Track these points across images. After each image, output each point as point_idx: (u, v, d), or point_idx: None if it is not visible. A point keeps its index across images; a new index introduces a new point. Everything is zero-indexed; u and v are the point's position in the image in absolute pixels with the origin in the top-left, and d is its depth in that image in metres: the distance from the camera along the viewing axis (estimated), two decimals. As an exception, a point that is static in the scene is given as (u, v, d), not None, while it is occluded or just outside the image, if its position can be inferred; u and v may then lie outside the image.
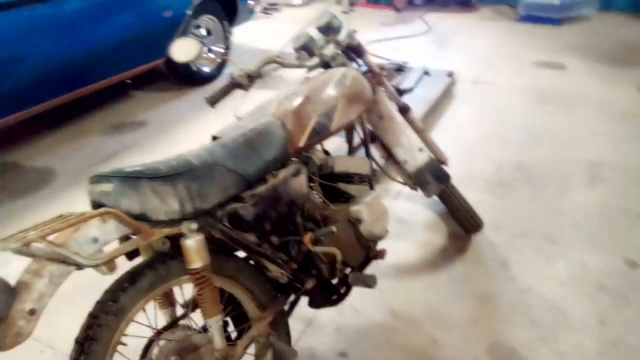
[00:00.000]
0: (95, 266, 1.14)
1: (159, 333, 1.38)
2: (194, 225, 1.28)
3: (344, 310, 2.04)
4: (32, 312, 1.08)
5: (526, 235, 2.43)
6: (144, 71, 3.98)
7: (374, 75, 2.01)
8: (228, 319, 1.57)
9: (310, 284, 1.57)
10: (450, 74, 4.20)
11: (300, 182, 1.59)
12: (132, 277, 1.28)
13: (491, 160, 3.08)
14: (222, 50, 4.49)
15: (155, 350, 1.35)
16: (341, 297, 1.69)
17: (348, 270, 1.71)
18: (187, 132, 3.60)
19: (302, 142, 1.57)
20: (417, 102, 3.61)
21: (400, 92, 3.93)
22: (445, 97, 3.94)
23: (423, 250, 2.37)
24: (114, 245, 1.23)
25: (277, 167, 1.54)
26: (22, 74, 3.03)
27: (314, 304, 1.65)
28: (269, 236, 1.50)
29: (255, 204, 1.43)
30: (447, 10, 6.35)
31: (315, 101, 1.62)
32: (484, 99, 3.93)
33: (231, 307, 1.53)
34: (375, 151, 2.12)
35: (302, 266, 1.59)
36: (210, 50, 4.45)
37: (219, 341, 1.34)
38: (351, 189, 1.72)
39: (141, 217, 1.21)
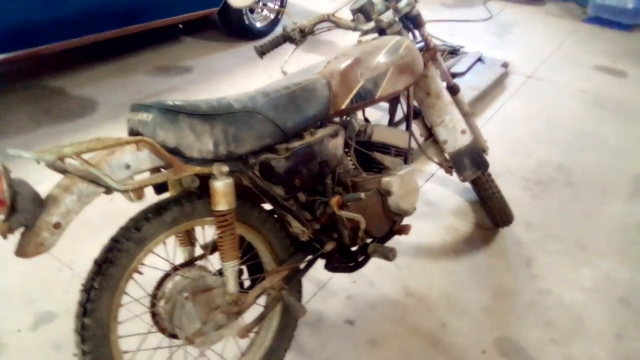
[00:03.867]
0: (125, 191, 1.16)
1: (175, 269, 1.40)
2: (225, 168, 1.28)
3: (358, 280, 2.04)
4: (57, 225, 1.10)
5: (556, 238, 2.36)
6: (196, 17, 3.98)
7: (428, 49, 1.95)
8: (243, 267, 1.58)
9: (330, 246, 1.56)
10: (505, 65, 4.07)
11: (336, 144, 1.57)
12: (157, 209, 1.29)
13: (533, 157, 2.99)
14: (277, 7, 4.44)
15: (169, 285, 1.37)
16: (358, 265, 1.68)
17: (369, 240, 1.70)
18: (230, 84, 3.61)
19: (344, 105, 1.54)
20: (467, 88, 3.51)
21: (452, 76, 3.83)
22: (496, 86, 3.82)
23: (447, 235, 2.34)
24: (145, 176, 1.24)
25: (316, 125, 1.52)
26: (79, 2, 3.07)
27: (330, 267, 1.65)
28: (296, 192, 1.49)
29: (288, 157, 1.42)
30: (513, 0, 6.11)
31: (365, 65, 1.59)
32: (536, 96, 3.79)
33: (248, 256, 1.54)
34: (415, 128, 2.08)
35: (324, 228, 1.58)
36: (264, 5, 4.42)
37: (232, 285, 1.35)
38: (386, 160, 1.69)
39: (174, 152, 1.22)
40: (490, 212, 2.25)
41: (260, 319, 1.46)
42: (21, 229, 1.11)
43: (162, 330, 1.39)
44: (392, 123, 1.92)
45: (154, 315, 1.40)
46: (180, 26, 4.44)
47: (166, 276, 1.39)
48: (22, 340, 1.74)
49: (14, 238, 1.08)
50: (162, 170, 1.26)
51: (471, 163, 1.93)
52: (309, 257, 1.59)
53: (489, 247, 2.27)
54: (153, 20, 3.62)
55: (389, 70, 1.62)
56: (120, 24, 3.42)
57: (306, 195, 1.53)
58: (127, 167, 1.19)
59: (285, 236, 1.52)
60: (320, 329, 1.83)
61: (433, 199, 2.57)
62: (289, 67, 1.86)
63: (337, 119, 1.62)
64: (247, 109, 1.31)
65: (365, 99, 1.58)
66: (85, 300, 1.21)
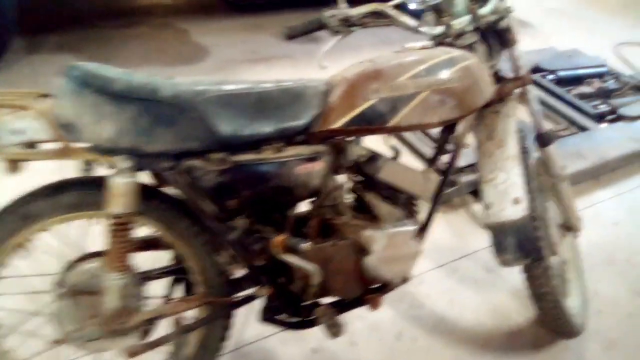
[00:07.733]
0: (-4, 159, 1.01)
1: (85, 257, 1.21)
2: (126, 164, 1.05)
3: (385, 335, 1.67)
4: None
5: (646, 377, 1.69)
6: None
7: (515, 79, 1.44)
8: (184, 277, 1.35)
9: (263, 292, 1.25)
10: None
11: (311, 171, 1.22)
12: (56, 188, 1.13)
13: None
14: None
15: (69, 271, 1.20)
16: (302, 325, 1.33)
17: (330, 300, 1.33)
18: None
19: (338, 124, 1.18)
20: (626, 139, 2.75)
21: (617, 117, 3.03)
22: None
23: (490, 317, 1.81)
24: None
25: (289, 140, 1.20)
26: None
27: (264, 315, 1.31)
28: (233, 214, 1.20)
29: (224, 171, 1.12)
30: None
31: (386, 80, 1.19)
32: None
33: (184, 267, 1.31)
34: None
35: (274, 266, 1.26)
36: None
37: (111, 300, 1.13)
38: (380, 207, 1.29)
39: (69, 130, 1.02)
40: (543, 315, 1.66)
41: (154, 345, 1.23)
42: None
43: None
44: (433, 162, 1.47)
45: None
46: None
47: (71, 264, 1.22)
48: None
49: None
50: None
51: (516, 246, 1.39)
52: (244, 294, 1.30)
53: (535, 355, 1.70)
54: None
55: (419, 93, 1.20)
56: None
57: (251, 222, 1.23)
58: (18, 132, 1.04)
59: (216, 262, 1.25)
60: (261, 374, 1.54)
61: (496, 266, 2.02)
62: (326, 57, 1.51)
63: (328, 140, 1.25)
64: (178, 99, 1.04)
65: (371, 123, 1.19)
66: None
